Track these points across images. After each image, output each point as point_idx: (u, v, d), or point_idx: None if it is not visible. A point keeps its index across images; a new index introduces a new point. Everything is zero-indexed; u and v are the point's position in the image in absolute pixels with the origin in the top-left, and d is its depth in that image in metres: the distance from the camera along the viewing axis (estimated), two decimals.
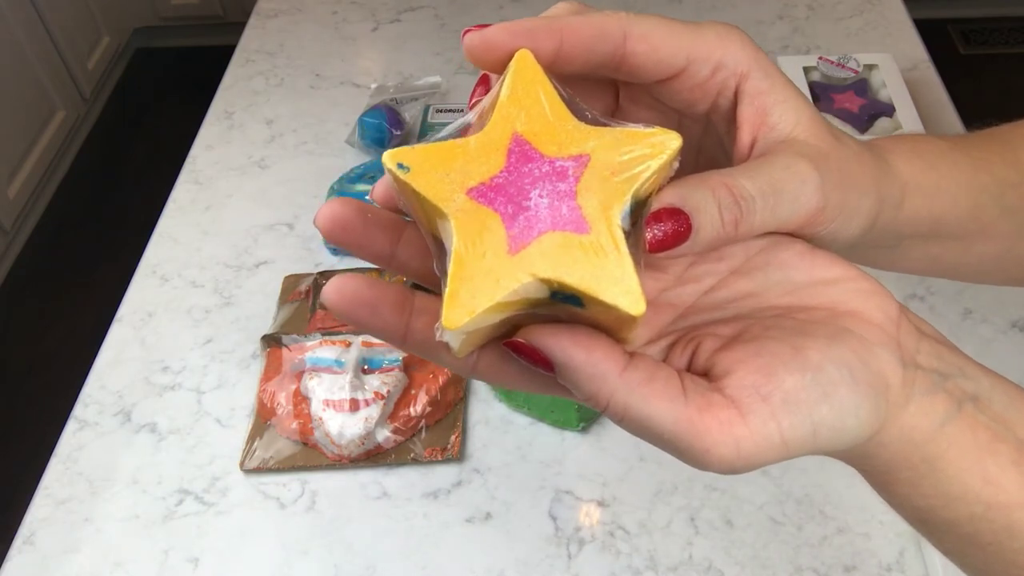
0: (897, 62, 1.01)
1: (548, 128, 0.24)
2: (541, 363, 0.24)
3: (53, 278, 2.07)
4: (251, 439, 0.75)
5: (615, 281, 0.22)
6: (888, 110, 0.96)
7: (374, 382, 0.73)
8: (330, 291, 0.24)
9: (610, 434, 0.75)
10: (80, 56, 2.33)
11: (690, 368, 0.26)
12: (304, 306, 0.84)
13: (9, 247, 2.08)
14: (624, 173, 0.23)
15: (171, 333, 0.86)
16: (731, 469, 0.24)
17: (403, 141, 1.04)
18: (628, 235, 0.23)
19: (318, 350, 0.76)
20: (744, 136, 0.27)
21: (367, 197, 0.28)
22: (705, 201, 0.24)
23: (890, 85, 0.97)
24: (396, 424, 0.73)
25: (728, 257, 0.27)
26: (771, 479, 0.71)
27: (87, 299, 1.98)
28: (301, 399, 0.74)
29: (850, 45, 1.13)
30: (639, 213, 0.24)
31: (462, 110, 1.08)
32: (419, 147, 0.24)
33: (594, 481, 0.72)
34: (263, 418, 0.76)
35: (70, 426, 0.79)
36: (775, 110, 0.27)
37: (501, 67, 0.25)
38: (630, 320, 0.23)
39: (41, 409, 1.79)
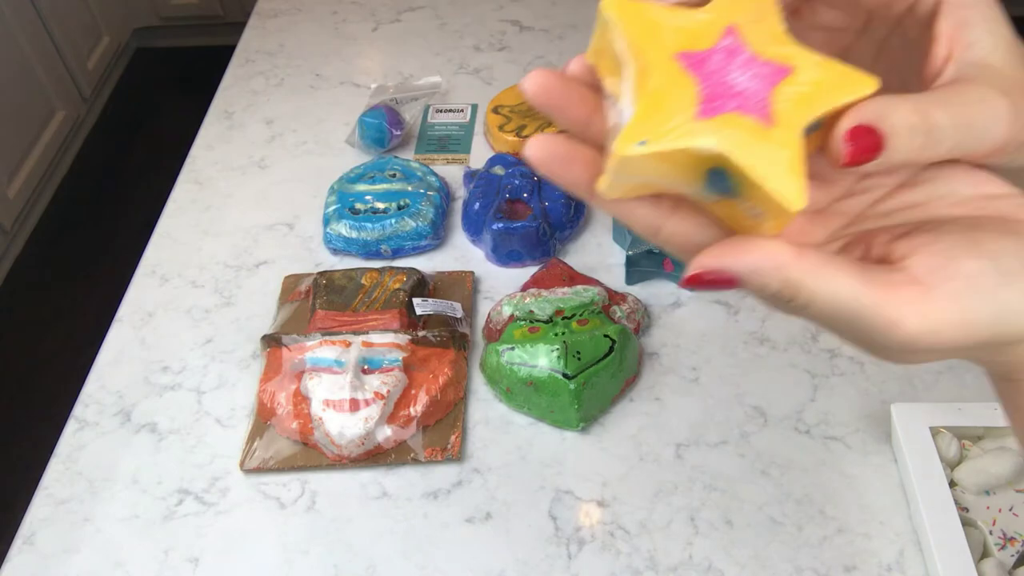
0: None
1: (761, 31, 0.25)
2: (724, 283, 0.25)
3: (53, 278, 2.07)
4: (251, 439, 0.75)
5: (783, 173, 0.23)
6: None
7: (374, 382, 0.73)
8: (532, 145, 0.26)
9: (610, 434, 0.75)
10: (80, 56, 2.33)
11: (866, 259, 0.26)
12: (304, 306, 0.84)
13: (9, 247, 2.08)
14: (822, 95, 0.24)
15: (171, 333, 0.86)
16: (914, 342, 0.24)
17: (403, 141, 1.04)
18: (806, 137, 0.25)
19: (318, 350, 0.76)
20: (940, 50, 0.27)
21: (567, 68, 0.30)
22: (901, 124, 0.24)
23: None
24: (396, 424, 0.73)
25: (896, 172, 0.28)
26: (771, 479, 0.71)
27: (87, 299, 1.98)
28: (301, 399, 0.74)
29: None
30: (824, 122, 0.25)
31: (462, 110, 1.08)
32: (639, 3, 0.25)
33: (594, 481, 0.72)
34: (263, 418, 0.76)
35: (70, 426, 0.79)
36: (976, 29, 0.26)
37: None
38: (785, 216, 0.24)
39: (41, 409, 1.79)
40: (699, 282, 0.25)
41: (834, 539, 0.67)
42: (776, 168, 0.23)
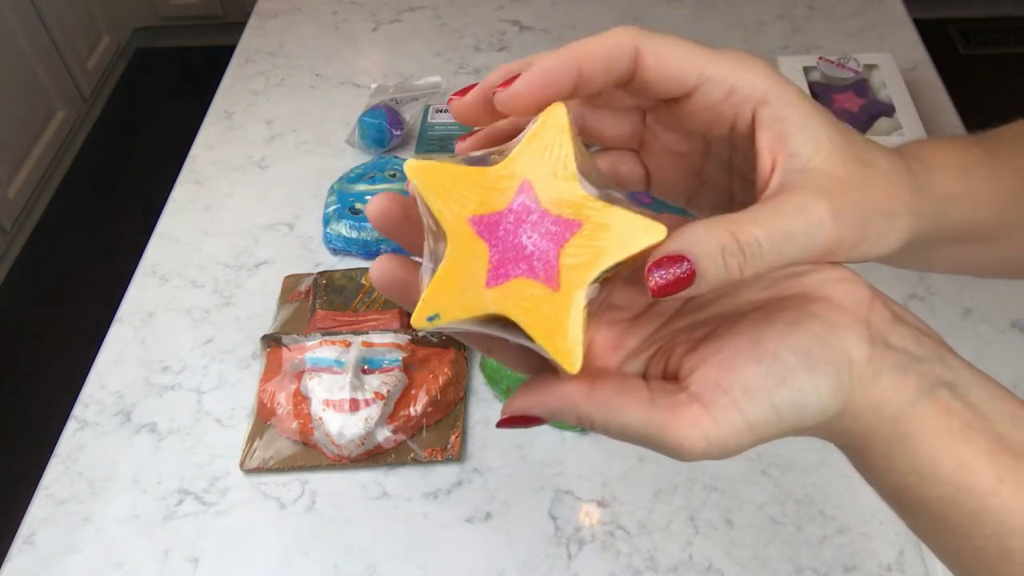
0: (897, 62, 1.01)
1: (555, 185, 0.26)
2: (530, 421, 0.28)
3: (53, 278, 2.07)
4: (251, 439, 0.75)
5: (563, 339, 0.25)
6: (888, 110, 0.96)
7: (374, 382, 0.73)
8: (374, 268, 0.29)
9: None
10: (80, 56, 2.33)
11: (664, 373, 0.28)
12: (304, 306, 0.84)
13: (9, 247, 2.08)
14: (607, 250, 0.26)
15: (171, 333, 0.86)
16: (705, 456, 0.26)
17: (403, 141, 1.04)
18: (598, 288, 0.27)
19: (318, 350, 0.76)
20: (764, 163, 0.28)
21: (364, 200, 0.31)
22: (710, 249, 0.25)
23: (890, 85, 0.97)
24: (396, 424, 0.73)
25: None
26: (771, 479, 0.71)
27: (87, 299, 1.98)
28: (301, 399, 0.74)
29: (850, 45, 1.13)
30: (610, 276, 0.27)
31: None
32: (440, 163, 0.26)
33: (594, 481, 0.72)
34: (263, 418, 0.76)
35: (70, 426, 0.79)
36: (794, 138, 0.27)
37: (533, 112, 0.27)
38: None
39: (41, 409, 1.79)
40: (511, 424, 0.29)
41: (834, 539, 0.67)
42: (556, 334, 0.25)
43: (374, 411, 0.72)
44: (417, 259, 0.28)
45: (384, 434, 0.73)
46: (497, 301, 0.26)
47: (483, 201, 0.26)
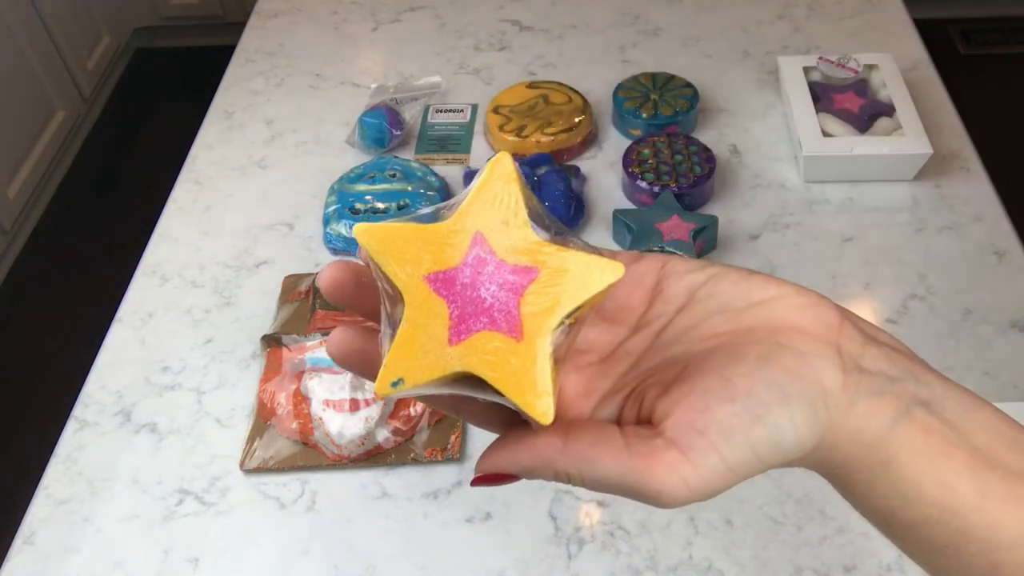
0: (897, 62, 1.01)
1: (508, 233, 0.26)
2: (504, 479, 0.28)
3: (53, 278, 2.07)
4: (251, 439, 0.75)
5: (533, 391, 0.25)
6: (888, 110, 0.96)
7: None
8: (331, 343, 0.28)
9: None
10: (80, 56, 2.33)
11: (639, 416, 0.27)
12: (304, 306, 0.84)
13: (9, 247, 2.08)
14: (566, 294, 0.26)
15: (171, 333, 0.86)
16: (686, 500, 0.25)
17: (403, 141, 1.04)
18: (563, 332, 0.26)
19: (318, 350, 0.76)
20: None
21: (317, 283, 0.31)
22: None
23: (890, 85, 0.97)
24: (396, 424, 0.73)
25: (673, 298, 0.29)
26: (771, 479, 0.71)
27: (87, 299, 1.98)
28: (301, 399, 0.74)
29: (850, 45, 1.13)
30: (573, 320, 0.27)
31: (462, 110, 1.08)
32: (390, 224, 0.26)
33: None
34: (263, 418, 0.76)
35: (70, 426, 0.79)
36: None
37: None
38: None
39: (41, 409, 1.79)
40: (485, 483, 0.28)
41: (834, 539, 0.67)
42: (525, 386, 0.25)
43: (374, 411, 0.72)
44: (374, 326, 0.28)
45: (384, 434, 0.73)
46: (461, 358, 0.25)
47: (437, 258, 0.26)
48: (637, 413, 0.27)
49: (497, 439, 0.28)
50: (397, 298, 0.26)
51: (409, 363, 0.25)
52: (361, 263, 0.28)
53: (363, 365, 0.28)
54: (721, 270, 0.29)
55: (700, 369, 0.26)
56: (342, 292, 0.28)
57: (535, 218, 0.27)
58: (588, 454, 0.26)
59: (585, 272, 0.26)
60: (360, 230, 0.26)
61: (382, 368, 0.25)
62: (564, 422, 0.27)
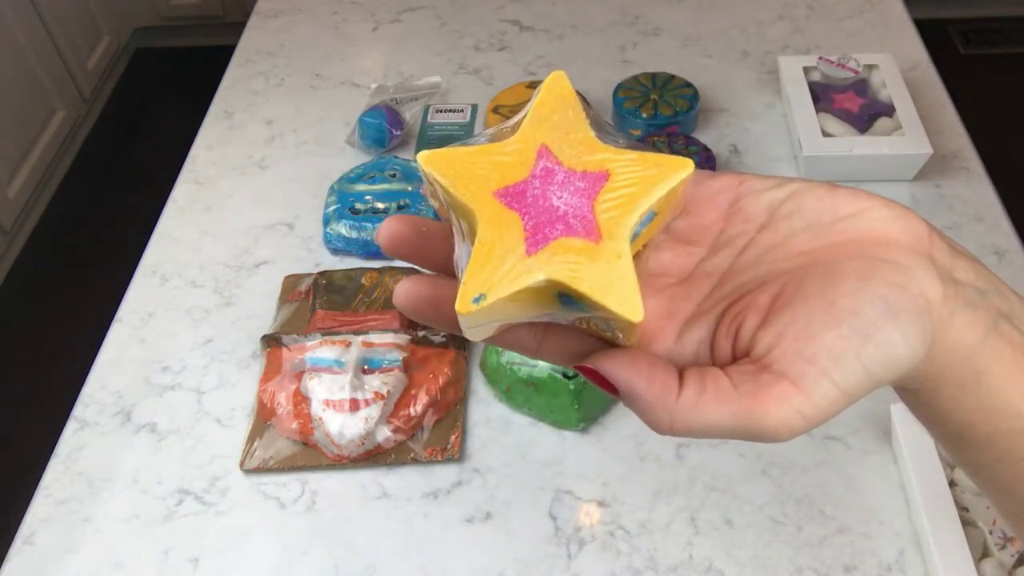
0: (897, 62, 1.01)
1: (572, 144, 0.26)
2: (608, 388, 0.26)
3: (53, 278, 2.07)
4: (251, 439, 0.75)
5: (617, 289, 0.24)
6: (888, 110, 0.96)
7: (374, 382, 0.73)
8: (399, 294, 0.27)
9: (610, 434, 0.75)
10: (80, 56, 2.33)
11: (735, 347, 0.26)
12: (304, 306, 0.84)
13: (9, 247, 2.08)
14: (641, 192, 0.25)
15: (171, 333, 0.86)
16: (803, 431, 0.24)
17: (403, 141, 1.04)
18: (641, 246, 0.26)
19: (318, 350, 0.76)
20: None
21: (375, 240, 0.31)
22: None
23: (890, 85, 0.97)
24: (396, 424, 0.73)
25: (754, 216, 0.28)
26: (771, 479, 0.71)
27: (87, 299, 1.98)
28: (301, 399, 0.74)
29: (850, 45, 1.13)
30: (655, 222, 0.27)
31: (462, 110, 1.08)
32: (452, 149, 0.26)
33: (594, 481, 0.72)
34: (263, 418, 0.76)
35: (70, 426, 0.79)
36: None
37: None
38: (630, 326, 0.25)
39: (41, 409, 1.79)
40: (590, 377, 0.26)
41: (834, 539, 0.67)
42: (611, 286, 0.24)
43: (374, 411, 0.72)
44: (434, 274, 0.28)
45: (384, 434, 0.73)
46: (542, 266, 0.24)
47: (504, 175, 0.26)
48: (733, 343, 0.26)
49: (620, 351, 0.26)
50: (469, 219, 0.26)
51: (489, 277, 0.24)
52: (430, 195, 0.28)
53: (436, 314, 0.27)
54: (803, 185, 0.28)
55: (799, 295, 0.26)
56: (403, 244, 0.28)
57: (597, 128, 0.27)
58: (699, 404, 0.25)
59: (656, 170, 0.25)
60: (423, 157, 0.26)
61: (461, 286, 0.24)
62: (656, 357, 0.26)
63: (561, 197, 0.25)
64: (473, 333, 0.26)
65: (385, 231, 0.28)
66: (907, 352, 0.25)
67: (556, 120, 0.26)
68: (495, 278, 0.24)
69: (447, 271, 0.28)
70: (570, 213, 0.25)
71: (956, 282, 0.26)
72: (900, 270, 0.25)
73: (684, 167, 0.25)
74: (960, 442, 0.28)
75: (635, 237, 0.25)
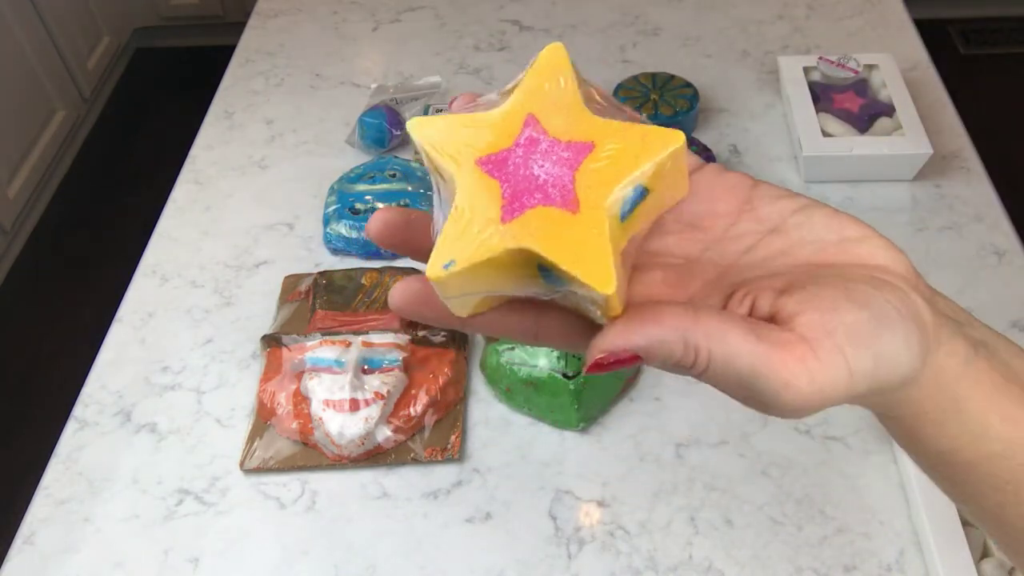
0: (897, 62, 1.01)
1: (561, 113, 0.26)
2: (628, 362, 0.25)
3: (53, 278, 2.07)
4: (251, 439, 0.75)
5: (589, 260, 0.23)
6: (888, 110, 0.96)
7: (374, 382, 0.73)
8: (394, 297, 0.27)
9: (610, 434, 0.75)
10: (80, 56, 2.33)
11: (752, 314, 0.26)
12: (304, 306, 0.84)
13: (9, 247, 2.08)
14: (624, 162, 0.25)
15: (171, 333, 0.86)
16: (805, 402, 0.24)
17: (403, 141, 1.04)
18: (639, 226, 0.26)
19: (318, 350, 0.76)
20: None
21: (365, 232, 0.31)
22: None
23: (890, 85, 0.97)
24: (396, 424, 0.73)
25: (767, 218, 0.29)
26: (771, 479, 0.71)
27: (87, 299, 1.98)
28: (301, 399, 0.74)
29: (850, 45, 1.13)
30: (645, 200, 0.26)
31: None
32: (443, 116, 0.26)
33: (594, 481, 0.72)
34: (263, 418, 0.76)
35: (70, 426, 0.79)
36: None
37: None
38: (607, 302, 0.24)
39: (41, 409, 1.79)
40: (602, 368, 0.25)
41: (834, 539, 0.67)
42: (582, 256, 0.23)
43: (374, 411, 0.72)
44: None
45: (384, 434, 0.73)
46: (514, 233, 0.24)
47: (490, 143, 0.25)
48: (750, 312, 0.26)
49: (615, 320, 0.25)
50: (452, 186, 0.25)
51: (461, 243, 0.24)
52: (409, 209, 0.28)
53: (430, 309, 0.27)
54: (811, 202, 0.29)
55: (820, 278, 0.26)
56: (392, 232, 0.28)
57: (588, 101, 0.26)
58: (720, 330, 0.24)
59: (642, 140, 0.25)
60: (413, 124, 0.26)
61: (434, 251, 0.24)
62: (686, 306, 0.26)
63: (543, 166, 0.25)
64: (453, 305, 0.26)
65: (376, 219, 0.28)
66: (908, 358, 0.25)
67: (547, 90, 0.26)
68: (467, 245, 0.24)
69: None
70: (549, 182, 0.25)
71: (939, 313, 0.27)
72: (902, 291, 0.26)
73: (673, 140, 0.25)
74: (947, 470, 0.29)
75: (627, 215, 0.25)
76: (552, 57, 0.27)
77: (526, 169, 0.25)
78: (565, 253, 0.23)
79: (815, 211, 0.29)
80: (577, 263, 0.23)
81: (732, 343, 0.24)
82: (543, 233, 0.24)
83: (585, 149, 0.25)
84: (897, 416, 0.28)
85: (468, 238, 0.24)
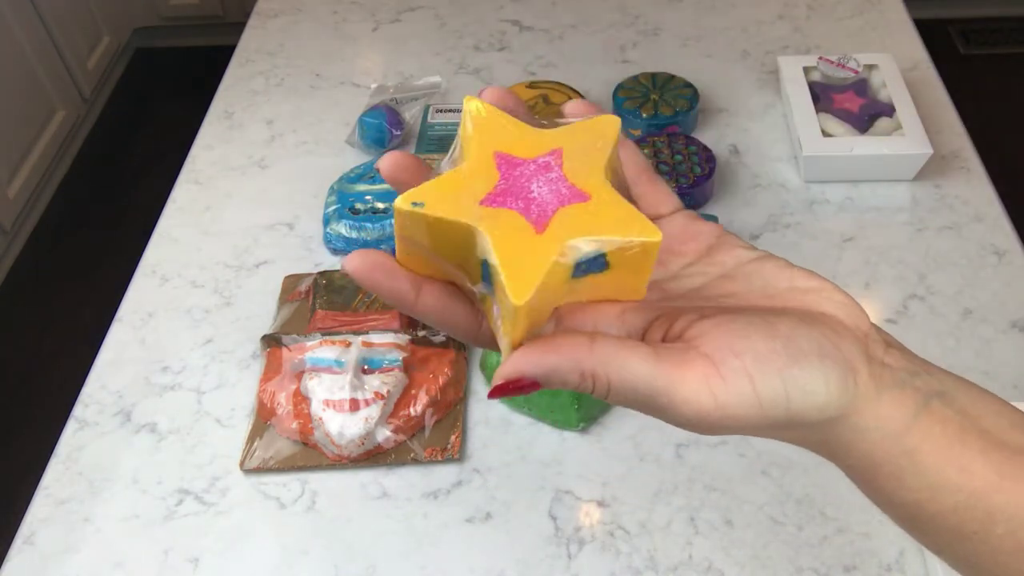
0: (897, 62, 1.01)
1: (583, 163, 0.28)
2: (527, 387, 0.26)
3: (53, 278, 2.07)
4: (251, 439, 0.75)
5: (521, 271, 0.25)
6: (888, 110, 0.96)
7: (374, 382, 0.73)
8: (353, 257, 0.28)
9: (610, 434, 0.75)
10: (80, 56, 2.33)
11: (667, 335, 0.27)
12: (304, 306, 0.84)
13: (9, 247, 2.08)
14: (600, 225, 0.27)
15: (171, 333, 0.86)
16: (708, 421, 0.25)
17: (403, 141, 1.04)
18: (580, 267, 0.28)
19: (318, 350, 0.76)
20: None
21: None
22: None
23: (890, 85, 0.97)
24: (396, 424, 0.73)
25: (720, 264, 0.30)
26: (771, 479, 0.71)
27: (87, 299, 1.98)
28: (301, 399, 0.74)
29: (850, 45, 1.13)
30: (602, 274, 0.28)
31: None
32: (422, 186, 0.28)
33: (594, 481, 0.72)
34: (263, 418, 0.76)
35: (70, 426, 0.79)
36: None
37: None
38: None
39: (41, 409, 1.79)
40: (504, 392, 0.26)
41: (834, 539, 0.67)
42: (519, 265, 0.25)
43: (374, 411, 0.72)
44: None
45: (384, 434, 0.73)
46: (481, 216, 0.26)
47: (515, 146, 0.28)
48: (666, 333, 0.27)
49: (519, 348, 0.27)
50: (466, 156, 0.28)
51: (438, 196, 0.27)
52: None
53: (388, 279, 0.28)
54: (768, 255, 0.30)
55: (742, 310, 0.27)
56: (406, 171, 0.29)
57: (615, 172, 0.29)
58: (618, 355, 0.25)
59: (628, 221, 0.27)
60: (402, 199, 0.27)
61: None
62: (587, 332, 0.27)
63: (540, 188, 0.27)
64: (400, 247, 0.28)
65: (388, 160, 0.29)
66: (824, 393, 0.26)
67: (585, 142, 0.29)
68: (441, 199, 0.27)
69: (413, 310, 0.29)
70: (536, 201, 0.27)
71: (884, 365, 0.27)
72: (835, 334, 0.27)
73: (651, 234, 0.26)
74: (914, 524, 0.29)
75: (580, 275, 0.27)
76: (607, 125, 0.29)
77: (527, 181, 0.28)
78: (507, 254, 0.26)
79: (769, 262, 0.30)
80: (509, 266, 0.25)
81: (629, 367, 0.25)
82: (502, 231, 0.26)
83: (580, 197, 0.27)
84: (852, 465, 0.29)
85: (447, 194, 0.27)
